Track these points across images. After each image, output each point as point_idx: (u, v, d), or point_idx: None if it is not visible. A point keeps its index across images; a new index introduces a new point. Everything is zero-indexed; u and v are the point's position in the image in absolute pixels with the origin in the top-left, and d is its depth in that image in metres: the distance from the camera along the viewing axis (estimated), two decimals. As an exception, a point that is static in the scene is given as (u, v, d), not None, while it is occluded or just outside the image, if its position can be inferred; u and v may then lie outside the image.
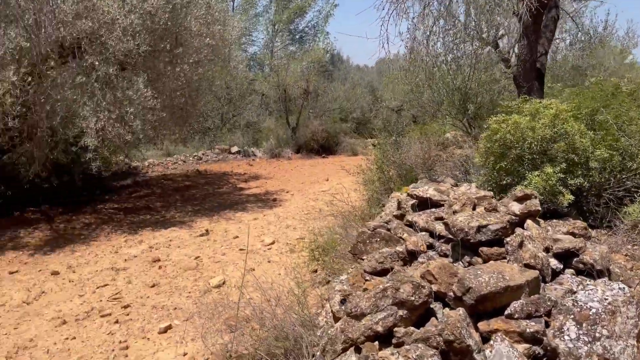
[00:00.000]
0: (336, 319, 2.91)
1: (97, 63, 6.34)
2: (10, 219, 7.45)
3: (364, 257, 3.27)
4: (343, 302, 2.96)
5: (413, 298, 2.18)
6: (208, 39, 7.40)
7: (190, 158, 14.25)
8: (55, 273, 5.30)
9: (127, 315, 4.24)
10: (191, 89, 7.92)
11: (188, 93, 7.82)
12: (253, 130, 17.67)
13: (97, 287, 4.86)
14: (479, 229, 2.58)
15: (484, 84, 7.36)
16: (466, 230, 2.59)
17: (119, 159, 9.73)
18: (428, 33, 6.04)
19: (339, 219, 5.60)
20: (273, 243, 6.17)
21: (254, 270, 5.19)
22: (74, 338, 3.86)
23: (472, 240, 2.58)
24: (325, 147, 16.03)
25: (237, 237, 6.55)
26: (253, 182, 11.32)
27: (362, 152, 16.27)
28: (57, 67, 6.55)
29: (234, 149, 15.48)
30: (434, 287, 2.31)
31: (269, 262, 5.53)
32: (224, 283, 4.91)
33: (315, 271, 5.00)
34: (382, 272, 2.95)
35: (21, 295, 4.71)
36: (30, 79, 6.27)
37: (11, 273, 5.40)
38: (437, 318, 2.21)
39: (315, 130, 15.72)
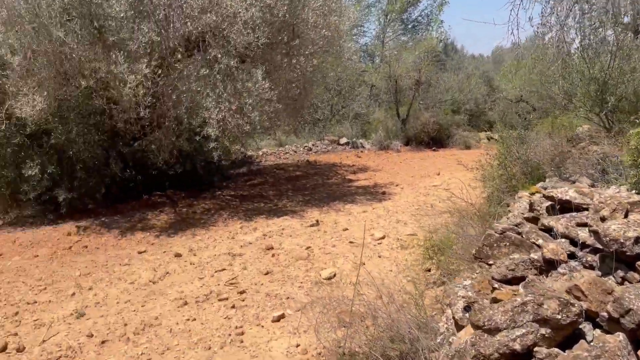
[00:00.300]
0: (459, 326, 2.71)
1: (219, 56, 6.60)
2: (140, 202, 8.09)
3: (491, 262, 3.01)
4: (467, 309, 2.74)
5: (559, 316, 1.92)
6: (324, 30, 7.41)
7: (301, 148, 14.54)
8: (178, 255, 5.62)
9: (243, 301, 4.35)
10: (305, 80, 8.00)
11: (302, 85, 7.90)
12: (361, 121, 17.59)
13: (216, 271, 5.07)
14: (638, 240, 2.23)
15: (626, 73, 6.53)
16: (621, 241, 2.25)
17: (236, 148, 10.17)
18: (563, 18, 5.48)
19: (455, 217, 5.31)
20: (383, 238, 6.03)
21: (364, 264, 5.10)
22: (194, 320, 4.03)
23: (628, 253, 2.24)
24: (436, 140, 15.48)
25: (347, 229, 6.50)
26: (361, 173, 11.25)
27: (476, 146, 15.51)
28: (183, 60, 6.94)
29: (343, 140, 15.52)
30: (583, 305, 2.02)
31: (379, 257, 5.41)
32: (334, 275, 4.87)
33: (429, 270, 4.79)
34: (513, 281, 2.68)
35: (148, 274, 5.05)
36: (159, 71, 6.70)
37: (140, 253, 5.83)
38: (586, 340, 1.93)
39: (426, 122, 15.22)
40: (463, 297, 2.77)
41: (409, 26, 22.52)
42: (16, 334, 3.84)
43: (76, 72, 6.33)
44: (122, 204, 7.82)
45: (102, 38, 6.33)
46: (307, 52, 7.49)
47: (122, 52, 6.18)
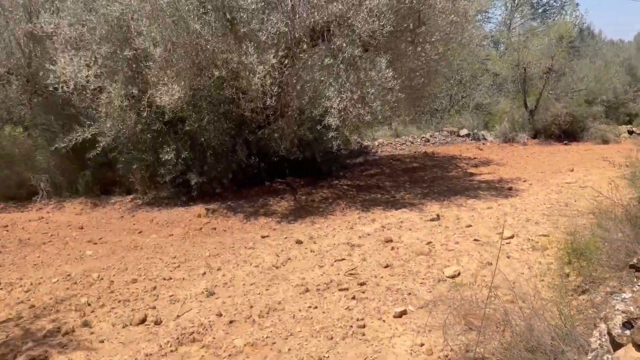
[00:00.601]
0: (616, 344, 2.39)
1: (344, 45, 6.56)
2: (262, 188, 8.40)
3: (656, 274, 2.62)
4: (626, 325, 2.41)
5: None
6: (452, 16, 7.04)
7: (418, 139, 14.18)
8: (299, 242, 5.71)
9: (363, 293, 4.28)
10: (429, 68, 7.70)
11: (426, 73, 7.62)
12: (483, 112, 16.70)
13: (335, 261, 5.06)
14: None
15: None
16: None
17: (354, 138, 10.16)
18: None
19: (598, 218, 4.76)
20: (512, 237, 5.61)
21: (491, 264, 4.79)
22: (316, 307, 4.03)
23: None
24: (568, 133, 14.19)
25: (470, 225, 6.16)
26: (484, 167, 10.67)
27: (615, 140, 14.01)
28: (308, 50, 7.00)
29: (463, 131, 14.85)
30: None
31: (508, 257, 5.04)
32: (458, 274, 4.62)
33: (567, 276, 4.35)
34: (688, 298, 2.30)
35: (271, 259, 5.19)
36: (285, 61, 6.83)
37: (263, 237, 6.03)
38: None
39: (558, 113, 13.99)
40: (623, 311, 2.44)
41: (539, 10, 20.93)
42: (154, 308, 4.14)
43: (209, 62, 6.67)
44: (246, 189, 8.18)
45: (234, 29, 6.60)
46: (432, 40, 7.19)
47: (252, 42, 6.38)
